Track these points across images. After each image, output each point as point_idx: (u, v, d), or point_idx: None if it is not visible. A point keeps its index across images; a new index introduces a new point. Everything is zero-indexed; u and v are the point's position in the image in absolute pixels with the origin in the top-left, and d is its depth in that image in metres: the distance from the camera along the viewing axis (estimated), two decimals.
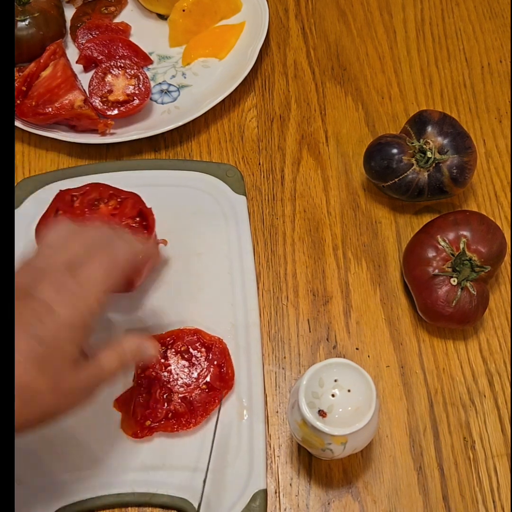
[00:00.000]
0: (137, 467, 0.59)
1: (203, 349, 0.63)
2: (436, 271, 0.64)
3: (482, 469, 0.61)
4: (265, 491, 0.58)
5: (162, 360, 0.62)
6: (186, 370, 0.62)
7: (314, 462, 0.61)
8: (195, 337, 0.63)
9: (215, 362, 0.62)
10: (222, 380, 0.62)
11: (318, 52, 0.85)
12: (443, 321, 0.64)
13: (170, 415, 0.60)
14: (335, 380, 0.55)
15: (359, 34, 0.86)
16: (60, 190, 0.66)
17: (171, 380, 0.61)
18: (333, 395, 0.55)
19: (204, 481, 0.57)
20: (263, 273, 0.70)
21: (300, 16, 0.88)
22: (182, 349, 0.63)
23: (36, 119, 0.75)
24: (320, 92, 0.82)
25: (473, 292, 0.63)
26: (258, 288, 0.68)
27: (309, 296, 0.69)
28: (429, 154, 0.68)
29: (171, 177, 0.74)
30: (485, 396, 0.64)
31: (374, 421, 0.54)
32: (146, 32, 0.86)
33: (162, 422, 0.60)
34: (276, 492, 0.60)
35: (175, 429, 0.60)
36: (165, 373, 0.62)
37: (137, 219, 0.65)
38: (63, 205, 0.65)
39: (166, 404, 0.60)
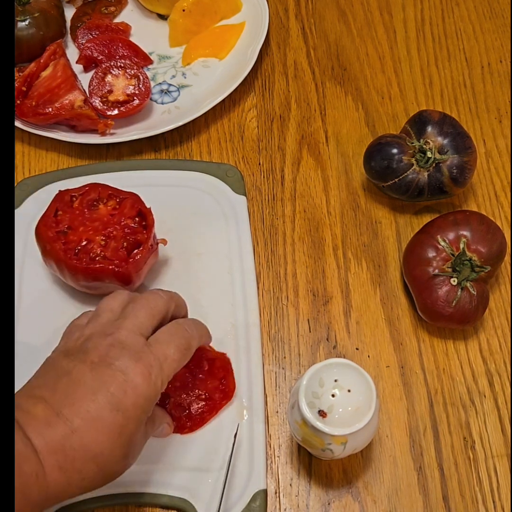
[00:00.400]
0: (137, 467, 0.59)
1: (205, 362, 0.62)
2: (436, 271, 0.64)
3: (482, 469, 0.61)
4: (265, 491, 0.58)
5: None
6: (185, 379, 0.61)
7: (314, 462, 0.61)
8: (198, 353, 0.62)
9: (216, 376, 0.62)
10: (222, 392, 0.61)
11: (318, 52, 0.85)
12: (443, 321, 0.64)
13: None
14: (335, 380, 0.55)
15: (359, 34, 0.86)
16: (60, 191, 0.66)
17: (169, 386, 0.61)
18: (333, 395, 0.55)
19: (222, 496, 0.57)
20: (263, 273, 0.70)
21: (300, 16, 0.88)
22: None
23: (36, 119, 0.75)
24: (320, 92, 0.82)
25: (473, 292, 0.63)
26: (258, 288, 0.68)
27: (309, 296, 0.69)
28: (429, 154, 0.68)
29: (171, 177, 0.74)
30: (485, 396, 0.64)
31: (374, 421, 0.54)
32: (146, 32, 0.86)
33: None
34: (276, 492, 0.60)
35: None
36: None
37: (136, 219, 0.65)
38: (62, 205, 0.65)
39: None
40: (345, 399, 0.55)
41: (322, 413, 0.54)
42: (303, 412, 0.52)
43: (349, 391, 0.55)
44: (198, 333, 0.56)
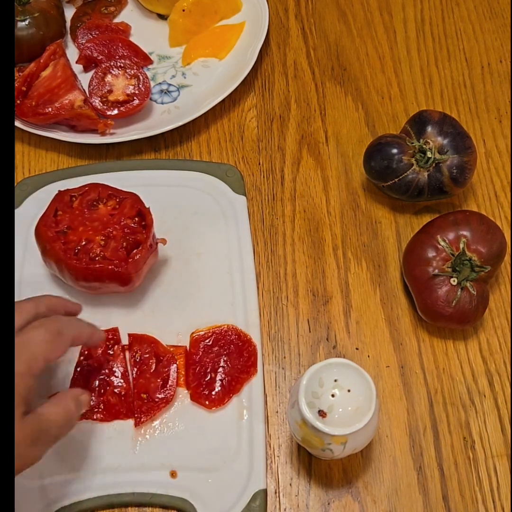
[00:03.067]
0: (137, 467, 0.59)
1: (153, 360, 0.62)
2: (436, 271, 0.64)
3: (482, 469, 0.61)
4: (265, 491, 0.58)
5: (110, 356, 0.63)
6: (128, 377, 0.62)
7: (314, 462, 0.61)
8: (151, 346, 0.63)
9: (160, 376, 0.62)
10: (163, 393, 0.61)
11: (318, 52, 0.85)
12: (443, 321, 0.64)
13: (101, 406, 0.61)
14: (335, 380, 0.55)
15: (359, 34, 0.86)
16: (59, 191, 0.66)
17: (114, 378, 0.62)
18: (333, 395, 0.55)
19: None
20: (263, 273, 0.70)
21: (300, 16, 0.88)
22: (136, 355, 0.63)
23: (36, 119, 0.75)
24: (320, 92, 0.82)
25: (473, 292, 0.63)
26: (258, 288, 0.68)
27: (309, 296, 0.69)
28: (429, 154, 0.68)
29: (171, 177, 0.74)
30: (485, 396, 0.64)
31: (374, 421, 0.54)
32: (146, 32, 0.86)
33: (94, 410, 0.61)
34: (276, 492, 0.60)
35: (102, 418, 0.61)
36: (113, 372, 0.62)
37: (136, 219, 0.65)
38: (62, 205, 0.65)
39: (99, 395, 0.61)
40: (345, 399, 0.55)
41: (322, 413, 0.54)
42: (303, 412, 0.52)
43: (349, 391, 0.55)
44: (75, 325, 0.56)
